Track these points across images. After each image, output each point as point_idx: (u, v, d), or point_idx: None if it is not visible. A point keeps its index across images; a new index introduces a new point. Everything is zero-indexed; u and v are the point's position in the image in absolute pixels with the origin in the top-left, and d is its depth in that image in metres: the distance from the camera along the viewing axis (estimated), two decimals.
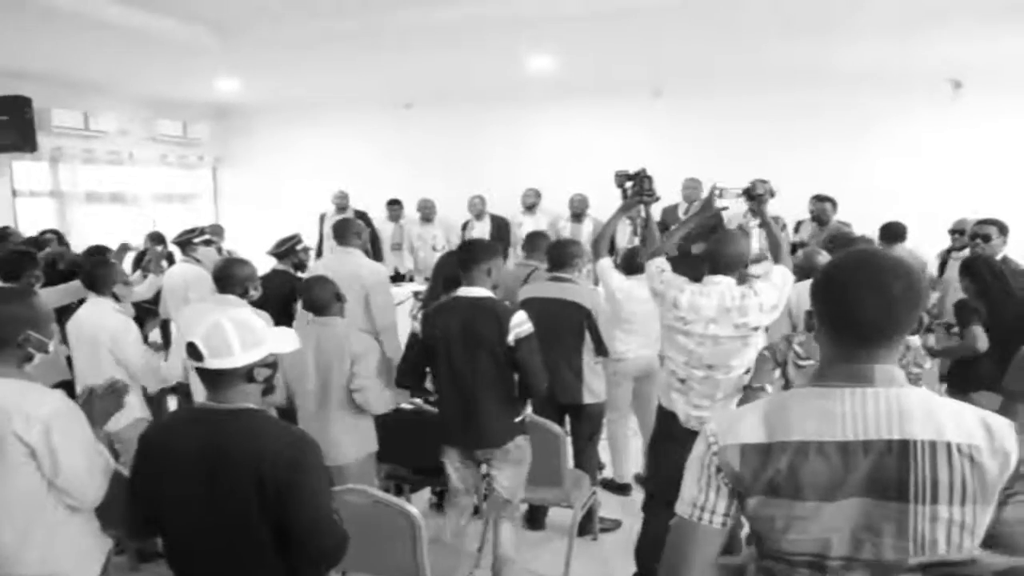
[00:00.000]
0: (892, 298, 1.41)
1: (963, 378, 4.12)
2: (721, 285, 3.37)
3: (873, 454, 1.38)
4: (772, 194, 3.69)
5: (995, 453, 1.34)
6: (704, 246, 3.53)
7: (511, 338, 3.33)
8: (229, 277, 4.16)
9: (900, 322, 1.43)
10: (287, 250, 5.37)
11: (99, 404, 2.56)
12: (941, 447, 1.35)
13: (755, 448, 1.46)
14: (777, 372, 3.08)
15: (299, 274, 5.28)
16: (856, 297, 1.44)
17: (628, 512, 3.93)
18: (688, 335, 3.42)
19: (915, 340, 3.34)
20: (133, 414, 3.92)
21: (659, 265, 3.55)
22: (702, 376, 3.44)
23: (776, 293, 3.36)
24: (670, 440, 3.49)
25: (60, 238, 7.19)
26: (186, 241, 5.97)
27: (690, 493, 1.54)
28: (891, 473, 1.37)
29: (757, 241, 6.84)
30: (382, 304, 5.06)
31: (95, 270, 4.27)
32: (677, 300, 3.38)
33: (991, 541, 1.38)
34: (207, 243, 6.13)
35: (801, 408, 1.46)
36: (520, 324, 3.34)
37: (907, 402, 1.39)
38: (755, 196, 3.69)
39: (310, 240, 9.00)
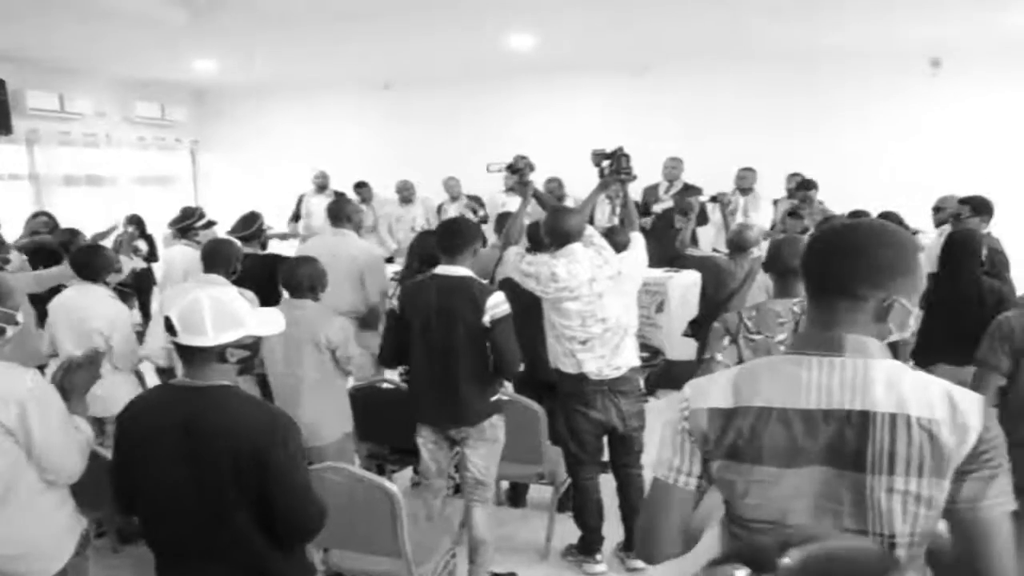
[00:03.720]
0: (861, 260, 1.43)
1: (923, 352, 4.22)
2: (578, 251, 3.64)
3: (834, 423, 1.39)
4: (532, 168, 4.24)
5: (955, 428, 1.34)
6: (550, 224, 3.77)
7: (487, 319, 3.34)
8: (216, 255, 4.14)
9: (867, 283, 1.42)
10: (254, 232, 5.23)
11: (79, 375, 2.56)
12: (901, 420, 1.35)
13: (721, 412, 1.49)
14: (726, 341, 3.12)
15: (261, 253, 5.21)
16: (827, 261, 1.48)
17: (609, 488, 3.98)
18: (578, 299, 3.65)
19: None
20: (129, 399, 3.91)
21: (516, 252, 3.86)
22: (601, 331, 3.69)
23: (611, 251, 3.77)
24: (581, 401, 3.78)
25: (53, 220, 7.14)
26: (187, 227, 5.87)
27: (666, 455, 1.57)
28: (850, 443, 1.38)
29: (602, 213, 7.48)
30: (377, 283, 5.04)
31: (90, 258, 4.23)
32: (555, 273, 3.61)
33: (947, 517, 1.38)
34: (208, 225, 6.02)
35: (769, 374, 1.48)
36: (497, 305, 3.36)
37: (873, 373, 1.40)
38: (516, 170, 4.22)
39: (285, 221, 9.02)
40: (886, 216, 6.08)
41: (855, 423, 1.38)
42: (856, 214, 6.09)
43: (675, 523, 1.56)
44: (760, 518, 1.48)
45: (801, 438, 1.41)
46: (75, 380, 2.53)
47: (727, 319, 3.24)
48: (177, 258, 5.66)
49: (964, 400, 1.37)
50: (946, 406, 1.36)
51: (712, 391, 1.52)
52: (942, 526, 1.40)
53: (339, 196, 8.39)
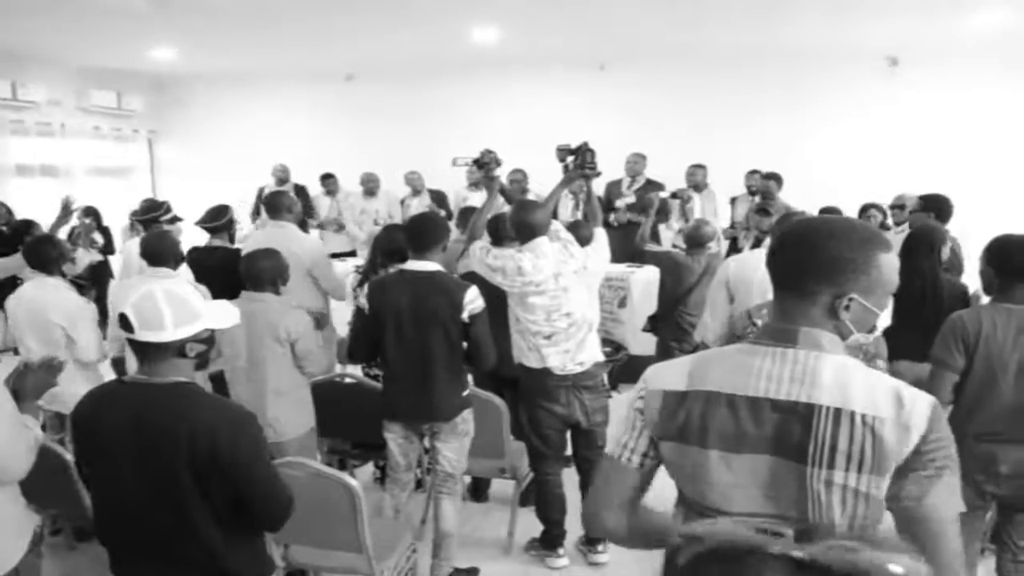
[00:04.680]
0: (811, 256, 1.44)
1: (889, 349, 4.27)
2: (543, 245, 3.64)
3: (780, 413, 1.41)
4: (498, 163, 4.16)
5: (897, 427, 1.35)
6: (516, 217, 3.76)
7: (466, 315, 3.37)
8: (161, 250, 4.08)
9: (817, 279, 1.43)
10: (224, 224, 5.10)
11: (32, 379, 2.51)
12: (845, 415, 1.36)
13: (674, 395, 1.52)
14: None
15: (230, 246, 5.09)
16: (781, 256, 1.51)
17: (572, 482, 3.99)
18: (543, 293, 3.64)
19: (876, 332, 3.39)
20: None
21: (481, 246, 3.82)
22: (566, 326, 3.68)
23: (577, 245, 3.77)
24: (544, 396, 3.77)
25: (9, 211, 6.98)
26: (152, 219, 5.73)
27: (617, 431, 1.64)
28: (794, 434, 1.40)
29: (565, 208, 7.43)
30: (328, 275, 4.99)
31: (42, 248, 4.13)
32: (521, 267, 3.61)
33: (895, 515, 1.39)
34: (173, 220, 5.90)
35: (724, 361, 1.51)
36: (473, 300, 3.39)
37: (821, 367, 1.41)
38: (483, 165, 4.13)
39: (246, 213, 8.89)
40: (829, 210, 6.19)
41: (800, 415, 1.40)
42: (827, 211, 6.18)
43: (615, 495, 1.63)
44: (706, 503, 1.50)
45: (747, 424, 1.43)
46: (28, 384, 2.49)
47: (733, 320, 3.25)
48: (135, 251, 5.54)
49: (912, 400, 1.37)
50: (892, 404, 1.37)
51: (667, 375, 1.56)
52: (889, 522, 1.41)
53: (298, 188, 8.30)
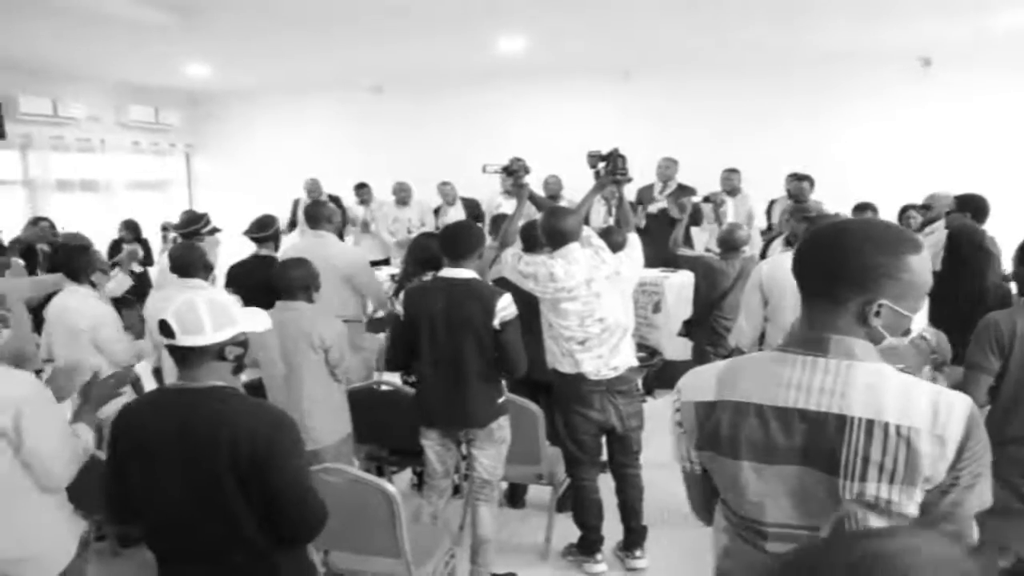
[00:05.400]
0: (839, 261, 1.41)
1: None
2: (575, 251, 3.65)
3: (809, 424, 1.39)
4: (527, 170, 4.24)
5: (933, 439, 1.32)
6: (547, 224, 3.76)
7: (497, 321, 3.37)
8: (190, 264, 4.16)
9: (845, 285, 1.40)
10: (272, 235, 5.19)
11: (98, 388, 2.59)
12: (878, 426, 1.34)
13: (704, 405, 1.52)
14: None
15: (276, 256, 5.17)
16: (808, 262, 1.49)
17: (607, 488, 3.99)
18: (575, 299, 3.66)
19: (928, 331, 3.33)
20: (124, 401, 3.91)
21: (513, 253, 3.84)
22: (599, 331, 3.69)
23: (609, 251, 3.80)
24: (579, 401, 3.78)
25: (52, 226, 7.14)
26: (193, 232, 5.87)
27: (675, 446, 1.65)
28: (825, 445, 1.37)
29: (597, 214, 7.41)
30: (370, 284, 5.06)
31: (74, 257, 4.23)
32: (553, 273, 3.61)
33: (922, 510, 1.37)
34: (213, 232, 6.04)
35: (753, 370, 1.50)
36: (506, 307, 3.39)
37: (853, 377, 1.38)
38: (511, 172, 4.21)
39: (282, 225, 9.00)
40: (862, 206, 6.13)
41: (832, 426, 1.37)
42: (862, 207, 6.11)
43: (698, 498, 1.69)
44: (740, 512, 1.50)
45: (776, 435, 1.42)
46: (94, 392, 2.58)
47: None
48: (167, 263, 5.64)
49: (948, 409, 1.34)
50: (927, 415, 1.34)
51: (699, 384, 1.56)
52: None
53: (332, 199, 8.41)
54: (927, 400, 1.35)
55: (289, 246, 5.54)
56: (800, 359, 1.44)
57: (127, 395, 4.04)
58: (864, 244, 1.40)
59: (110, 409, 3.72)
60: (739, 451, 1.45)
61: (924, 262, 1.41)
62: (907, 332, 1.48)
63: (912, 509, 1.35)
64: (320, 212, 5.23)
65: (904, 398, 1.35)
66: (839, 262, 1.41)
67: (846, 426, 1.36)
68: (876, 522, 1.36)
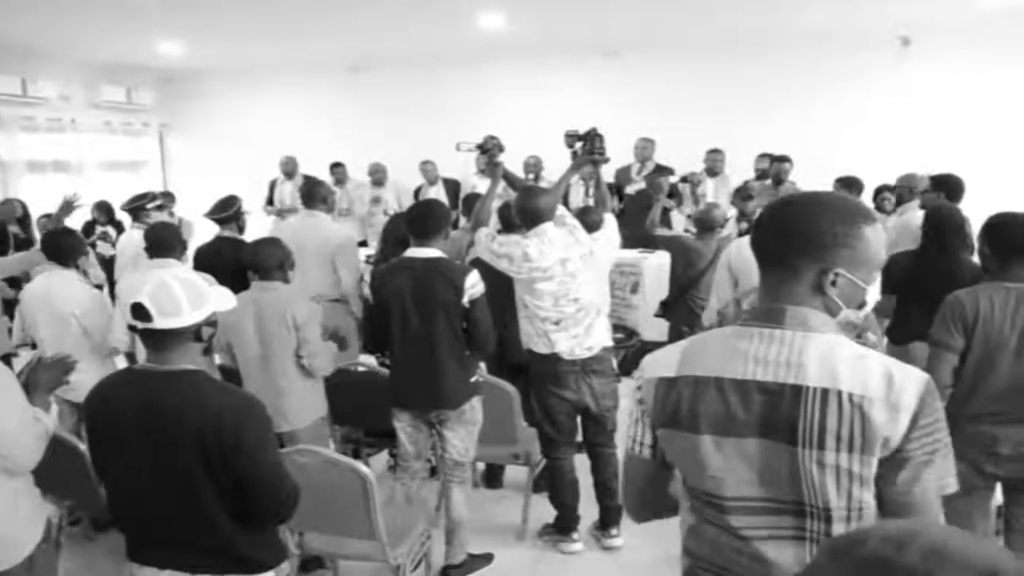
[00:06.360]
0: (792, 230, 1.43)
1: (899, 331, 4.21)
2: (550, 231, 3.62)
3: (767, 395, 1.40)
4: (501, 148, 4.15)
5: (887, 407, 1.33)
6: (520, 203, 3.74)
7: (466, 299, 3.37)
8: (164, 242, 4.11)
9: (798, 253, 1.41)
10: (233, 214, 5.07)
11: (45, 374, 2.55)
12: (832, 395, 1.35)
13: (665, 381, 1.52)
14: None
15: (239, 237, 5.07)
16: (765, 232, 1.50)
17: (583, 467, 4.00)
18: (550, 279, 3.62)
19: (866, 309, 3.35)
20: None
21: (487, 233, 3.79)
22: (574, 311, 3.67)
23: (583, 230, 3.79)
24: (554, 381, 3.76)
25: (24, 206, 7.05)
26: (139, 207, 5.79)
27: (629, 428, 1.64)
28: (783, 416, 1.38)
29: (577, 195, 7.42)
30: (348, 264, 5.03)
31: (61, 240, 4.17)
32: (527, 253, 3.58)
33: (879, 496, 1.38)
34: (159, 208, 5.96)
35: (714, 345, 1.50)
36: (474, 284, 3.40)
37: (809, 347, 1.39)
38: (486, 150, 4.15)
39: (257, 206, 8.91)
40: (846, 180, 6.16)
41: (788, 396, 1.38)
42: (844, 181, 6.14)
43: (638, 488, 1.66)
44: (700, 488, 1.50)
45: (735, 408, 1.42)
46: (41, 378, 2.52)
47: (724, 312, 3.24)
48: (129, 242, 5.59)
49: (902, 379, 1.35)
50: (882, 384, 1.34)
51: (661, 362, 1.56)
52: (871, 499, 1.39)
53: (307, 178, 8.33)
54: (881, 370, 1.36)
55: (284, 226, 5.48)
56: (757, 331, 1.45)
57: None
58: (820, 213, 1.42)
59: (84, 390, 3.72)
60: (699, 425, 1.45)
61: (878, 233, 1.43)
62: (862, 305, 1.48)
63: (869, 476, 1.36)
64: (316, 192, 5.17)
65: (859, 368, 1.36)
66: (795, 229, 1.43)
67: (802, 396, 1.37)
68: (834, 490, 1.36)
